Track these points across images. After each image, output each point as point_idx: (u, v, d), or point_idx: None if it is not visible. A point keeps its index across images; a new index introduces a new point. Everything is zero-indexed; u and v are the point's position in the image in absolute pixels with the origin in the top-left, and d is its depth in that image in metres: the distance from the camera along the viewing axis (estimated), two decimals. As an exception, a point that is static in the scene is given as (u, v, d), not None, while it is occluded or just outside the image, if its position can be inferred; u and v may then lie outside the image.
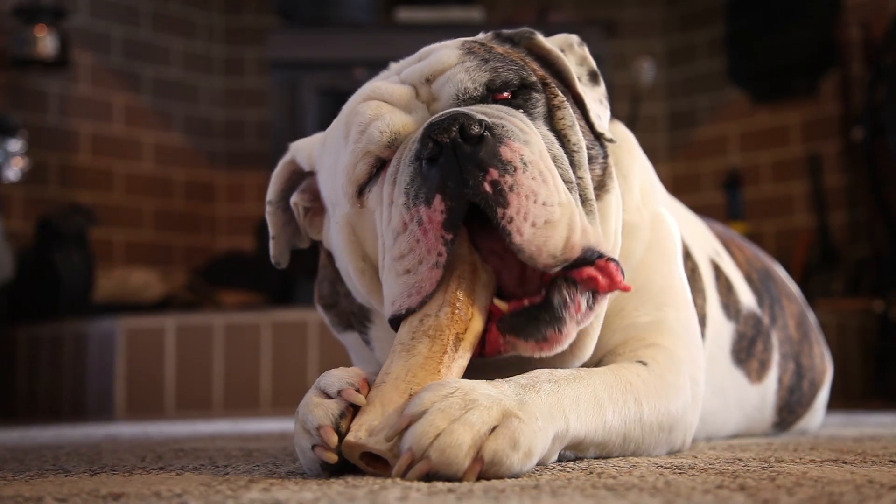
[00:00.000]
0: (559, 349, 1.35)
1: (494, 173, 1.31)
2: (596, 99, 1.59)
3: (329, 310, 1.76)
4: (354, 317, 1.69)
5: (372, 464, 1.21)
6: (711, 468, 1.28)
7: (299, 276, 4.82)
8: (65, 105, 5.78)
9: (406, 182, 1.35)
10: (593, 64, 1.65)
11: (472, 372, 1.33)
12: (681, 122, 6.59)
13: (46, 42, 5.37)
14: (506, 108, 1.43)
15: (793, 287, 2.40)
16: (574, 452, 1.35)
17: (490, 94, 1.46)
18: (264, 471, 1.37)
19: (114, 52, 6.09)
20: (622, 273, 1.38)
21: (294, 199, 1.67)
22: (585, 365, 1.48)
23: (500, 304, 1.36)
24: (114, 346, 4.35)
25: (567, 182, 1.40)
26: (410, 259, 1.34)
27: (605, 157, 1.56)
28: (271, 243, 1.71)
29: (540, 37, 1.61)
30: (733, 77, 6.22)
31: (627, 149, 1.71)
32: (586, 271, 1.34)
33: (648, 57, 5.90)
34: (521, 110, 1.45)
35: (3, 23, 5.45)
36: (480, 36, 1.61)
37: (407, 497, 1.00)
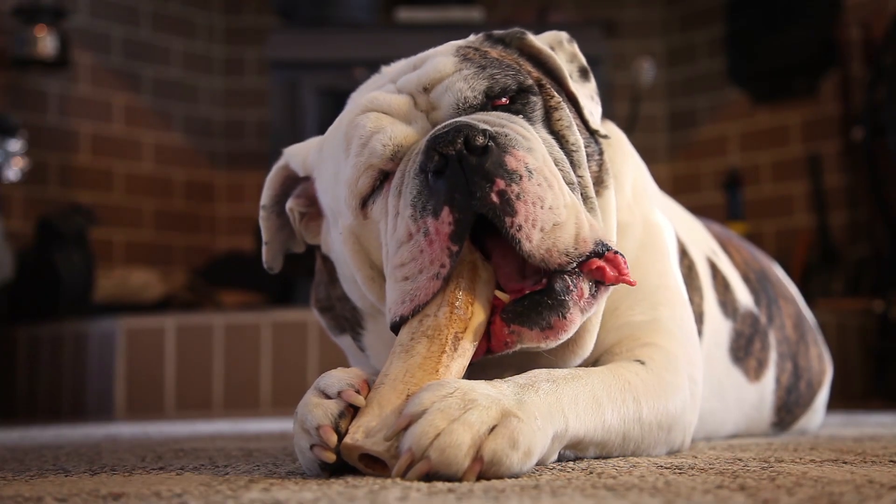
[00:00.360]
0: (565, 337, 1.35)
1: (501, 183, 1.31)
2: (587, 95, 1.60)
3: (325, 313, 1.76)
4: (347, 322, 1.69)
5: (370, 465, 1.21)
6: (711, 468, 1.28)
7: (299, 276, 4.82)
8: (65, 105, 5.78)
9: (413, 195, 1.35)
10: (583, 60, 1.65)
11: (472, 372, 1.33)
12: (681, 122, 6.59)
13: (46, 42, 5.37)
14: (506, 115, 1.43)
15: (791, 288, 2.40)
16: (574, 452, 1.35)
17: (489, 101, 1.46)
18: (264, 471, 1.37)
19: (114, 52, 6.09)
20: (627, 267, 1.38)
21: (289, 204, 1.67)
22: (582, 365, 1.48)
23: (502, 296, 1.36)
24: (114, 346, 4.35)
25: (569, 183, 1.41)
26: (411, 267, 1.35)
27: (601, 153, 1.57)
28: (264, 248, 1.71)
29: (531, 36, 1.61)
30: (733, 77, 6.22)
31: (619, 148, 1.72)
32: (595, 263, 1.35)
33: (648, 57, 5.90)
34: (521, 115, 1.45)
35: (3, 23, 5.45)
36: (472, 38, 1.61)
37: (407, 497, 1.00)
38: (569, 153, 1.46)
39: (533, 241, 1.31)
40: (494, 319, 1.35)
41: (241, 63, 6.63)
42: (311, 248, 1.75)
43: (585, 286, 1.35)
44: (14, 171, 4.91)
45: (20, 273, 4.99)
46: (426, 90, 1.47)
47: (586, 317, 1.38)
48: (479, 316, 1.33)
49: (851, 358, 4.83)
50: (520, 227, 1.30)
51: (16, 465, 1.63)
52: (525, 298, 1.34)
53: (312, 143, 1.67)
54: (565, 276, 1.34)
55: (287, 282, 5.20)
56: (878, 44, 5.29)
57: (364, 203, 1.47)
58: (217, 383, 4.33)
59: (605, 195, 1.54)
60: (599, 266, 1.35)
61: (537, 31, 1.67)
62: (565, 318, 1.33)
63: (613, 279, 1.36)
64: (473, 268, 1.36)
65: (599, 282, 1.36)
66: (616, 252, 1.37)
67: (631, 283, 1.38)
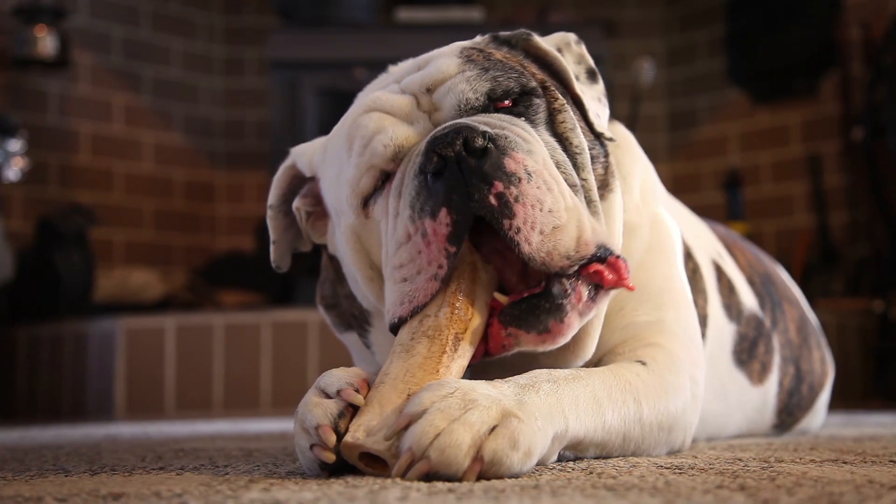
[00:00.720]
0: (562, 340, 1.35)
1: (499, 186, 1.31)
2: (594, 97, 1.59)
3: (330, 310, 1.77)
4: (355, 319, 1.70)
5: (370, 464, 1.21)
6: (711, 468, 1.28)
7: (299, 275, 4.83)
8: (65, 105, 5.78)
9: (412, 196, 1.36)
10: (591, 62, 1.65)
11: (473, 373, 1.33)
12: (681, 122, 6.59)
13: (46, 42, 5.37)
14: (508, 118, 1.43)
15: (795, 291, 2.40)
16: (574, 452, 1.35)
17: (491, 103, 1.46)
18: (264, 471, 1.37)
19: (114, 52, 6.09)
20: (628, 271, 1.38)
21: (296, 203, 1.68)
22: (585, 365, 1.48)
23: (501, 298, 1.36)
24: (114, 346, 4.35)
25: (572, 186, 1.40)
26: (409, 269, 1.35)
27: (606, 155, 1.57)
28: (272, 248, 1.72)
29: (537, 38, 1.61)
30: (733, 77, 6.22)
31: (627, 149, 1.71)
32: (594, 266, 1.35)
33: (648, 57, 5.90)
34: (523, 118, 1.45)
35: (3, 23, 5.45)
36: (477, 39, 1.61)
37: (407, 497, 1.00)
38: (572, 156, 1.46)
39: (532, 243, 1.31)
40: (492, 322, 1.35)
41: (241, 63, 6.63)
42: (316, 246, 1.75)
43: (584, 290, 1.35)
44: (14, 171, 4.90)
45: (20, 273, 4.99)
46: (429, 91, 1.47)
47: (584, 321, 1.37)
48: (478, 317, 1.33)
49: (851, 358, 4.83)
50: (518, 229, 1.30)
51: (16, 465, 1.63)
52: (523, 301, 1.34)
53: (318, 142, 1.67)
54: (563, 280, 1.34)
55: (287, 282, 5.19)
56: (878, 44, 5.29)
57: (365, 202, 1.47)
58: (217, 383, 4.33)
59: (609, 198, 1.53)
60: (598, 270, 1.35)
61: (538, 32, 1.67)
62: (563, 322, 1.34)
63: (612, 283, 1.36)
64: (474, 269, 1.36)
65: (598, 285, 1.36)
66: (618, 256, 1.37)
67: (630, 288, 1.38)
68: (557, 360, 1.43)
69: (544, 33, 1.67)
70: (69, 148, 5.80)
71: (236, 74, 6.63)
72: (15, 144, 4.89)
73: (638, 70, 5.59)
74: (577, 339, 1.42)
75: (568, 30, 1.70)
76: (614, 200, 1.54)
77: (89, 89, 5.93)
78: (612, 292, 1.40)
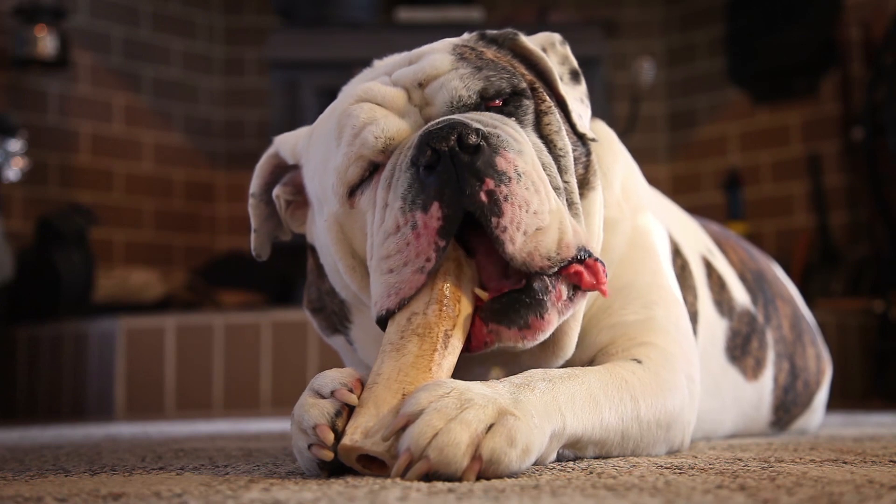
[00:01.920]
0: (541, 337, 1.36)
1: (490, 183, 1.32)
2: (577, 98, 1.61)
3: (317, 314, 1.77)
4: (336, 317, 1.70)
5: (368, 465, 1.21)
6: (711, 468, 1.28)
7: (299, 275, 4.82)
8: (65, 105, 5.78)
9: (403, 188, 1.36)
10: (574, 63, 1.66)
11: (458, 371, 1.33)
12: (681, 122, 6.59)
13: (46, 42, 5.37)
14: (499, 117, 1.44)
15: (790, 288, 2.40)
16: (573, 451, 1.35)
17: (483, 101, 1.47)
18: (264, 471, 1.37)
19: (114, 52, 6.09)
20: (606, 276, 1.39)
21: (276, 191, 1.69)
22: (578, 364, 1.48)
23: (481, 294, 1.36)
24: (114, 346, 4.35)
25: (555, 188, 1.42)
26: (396, 260, 1.35)
27: (588, 155, 1.58)
28: (253, 236, 1.73)
29: (523, 38, 1.62)
30: (733, 77, 6.22)
31: (608, 146, 1.73)
32: (574, 267, 1.36)
33: (648, 57, 5.90)
34: (513, 118, 1.46)
35: (3, 23, 5.45)
36: (465, 37, 1.62)
37: (407, 497, 1.00)
38: (556, 158, 1.47)
39: (516, 243, 1.31)
40: (474, 319, 1.35)
41: (241, 63, 6.63)
42: (304, 250, 1.76)
43: (564, 288, 1.36)
44: (14, 171, 4.91)
45: (20, 273, 4.99)
46: (421, 85, 1.48)
47: (562, 319, 1.38)
48: (466, 313, 1.34)
49: (851, 358, 4.83)
50: (504, 228, 1.31)
51: (16, 465, 1.63)
52: (503, 297, 1.35)
53: (302, 131, 1.67)
54: (544, 278, 1.35)
55: (287, 282, 5.19)
56: (878, 44, 5.29)
57: (352, 192, 1.48)
58: (217, 383, 4.34)
59: (590, 197, 1.55)
60: (577, 270, 1.36)
61: (536, 32, 1.67)
62: (543, 318, 1.34)
63: (590, 285, 1.37)
64: (459, 265, 1.36)
65: (576, 286, 1.37)
66: (597, 259, 1.38)
67: (604, 293, 1.39)
68: (538, 359, 1.43)
69: (540, 33, 1.67)
70: (69, 148, 5.80)
71: (236, 74, 6.62)
72: (15, 144, 4.90)
73: (638, 70, 5.58)
74: (556, 339, 1.42)
75: (567, 29, 1.71)
76: (594, 199, 1.55)
77: (89, 89, 5.93)
78: (589, 294, 1.42)
